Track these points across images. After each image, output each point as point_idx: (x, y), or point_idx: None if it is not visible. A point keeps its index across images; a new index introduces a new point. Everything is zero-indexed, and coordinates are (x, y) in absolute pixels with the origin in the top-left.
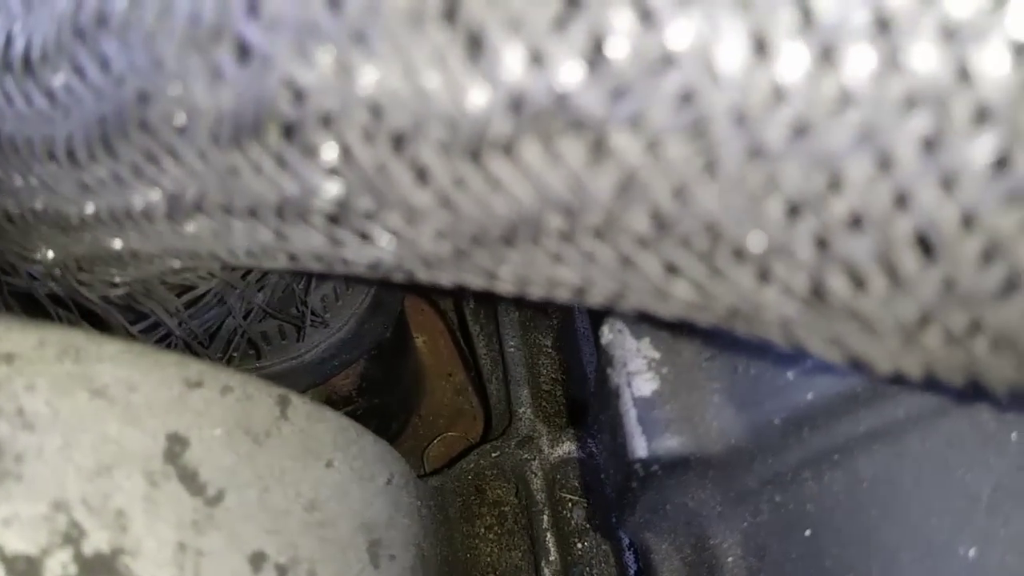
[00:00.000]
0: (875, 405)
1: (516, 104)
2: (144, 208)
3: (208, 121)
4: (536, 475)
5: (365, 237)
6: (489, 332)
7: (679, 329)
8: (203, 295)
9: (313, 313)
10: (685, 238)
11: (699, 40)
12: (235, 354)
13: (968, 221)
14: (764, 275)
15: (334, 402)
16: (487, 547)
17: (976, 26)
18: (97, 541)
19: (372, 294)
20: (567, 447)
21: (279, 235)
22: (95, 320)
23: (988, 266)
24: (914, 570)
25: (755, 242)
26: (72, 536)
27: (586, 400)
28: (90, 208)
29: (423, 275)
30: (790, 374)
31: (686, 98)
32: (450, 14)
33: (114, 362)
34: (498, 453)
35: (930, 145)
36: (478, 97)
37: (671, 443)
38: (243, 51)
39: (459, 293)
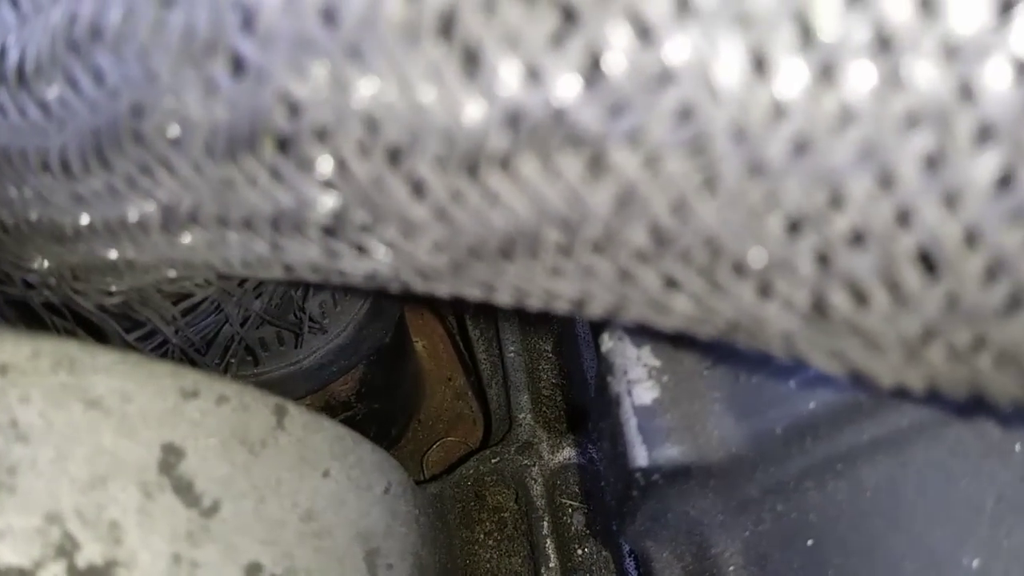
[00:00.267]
0: (878, 415)
1: (513, 119)
2: (139, 219)
3: (202, 134)
4: (536, 481)
5: (361, 249)
6: (489, 337)
7: (680, 338)
8: (200, 302)
9: (311, 319)
10: (685, 253)
11: (697, 56)
12: (232, 361)
13: (971, 239)
14: (765, 290)
15: (333, 407)
16: (487, 553)
17: (978, 43)
18: (91, 553)
19: (371, 300)
20: (567, 453)
21: (275, 247)
22: (91, 328)
23: (992, 283)
24: None
25: (755, 258)
26: (66, 548)
27: (587, 406)
28: (84, 219)
29: (420, 287)
30: (792, 383)
31: (685, 114)
32: (446, 29)
33: (109, 373)
34: (498, 459)
35: (932, 162)
36: (475, 112)
37: (672, 452)
38: (237, 65)
39: (457, 301)
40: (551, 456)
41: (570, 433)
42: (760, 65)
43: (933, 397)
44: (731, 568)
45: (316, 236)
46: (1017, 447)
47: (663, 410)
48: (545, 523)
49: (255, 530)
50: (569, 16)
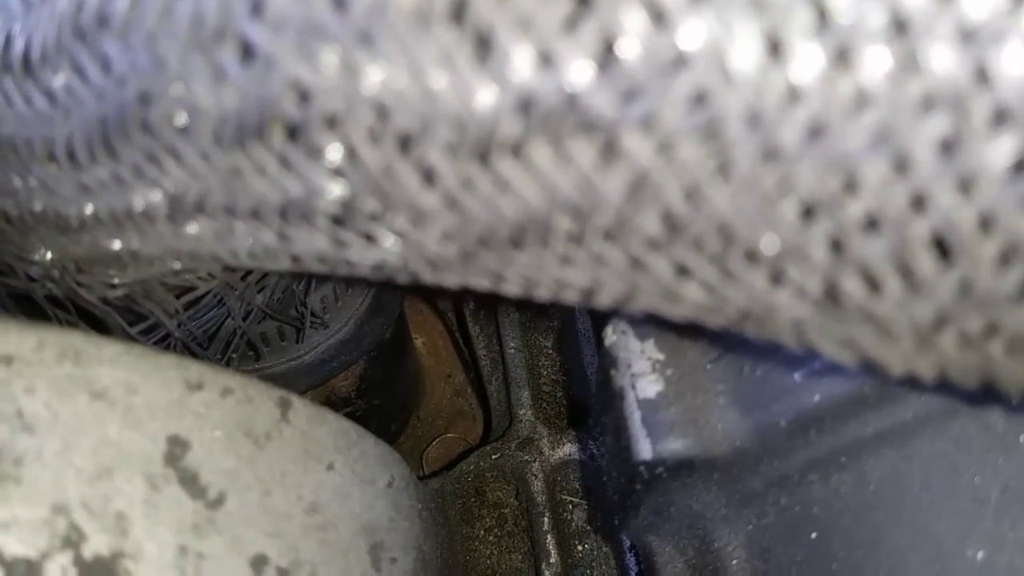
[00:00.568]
0: (883, 407)
1: (525, 105)
2: (145, 209)
3: (211, 122)
4: (537, 477)
5: (370, 239)
6: (489, 333)
7: (684, 330)
8: (202, 296)
9: (313, 314)
10: (697, 240)
11: (712, 41)
12: (234, 356)
13: (986, 223)
14: (777, 277)
15: (333, 403)
16: (487, 549)
17: (994, 27)
18: (97, 545)
19: (372, 295)
20: (568, 449)
21: (282, 237)
22: (93, 322)
23: (1006, 268)
24: (922, 572)
25: (768, 244)
26: (72, 540)
27: (587, 402)
28: (90, 209)
29: (428, 277)
30: (796, 376)
31: (699, 99)
32: (458, 14)
33: (114, 364)
34: (499, 455)
35: (948, 147)
36: (486, 98)
37: (676, 445)
38: (247, 52)
39: (459, 294)
40: (551, 452)
41: (570, 429)
42: (775, 49)
43: (943, 386)
44: (734, 561)
45: (324, 225)
46: (1022, 439)
47: (667, 403)
48: (546, 519)
49: (261, 522)
50: (583, 0)
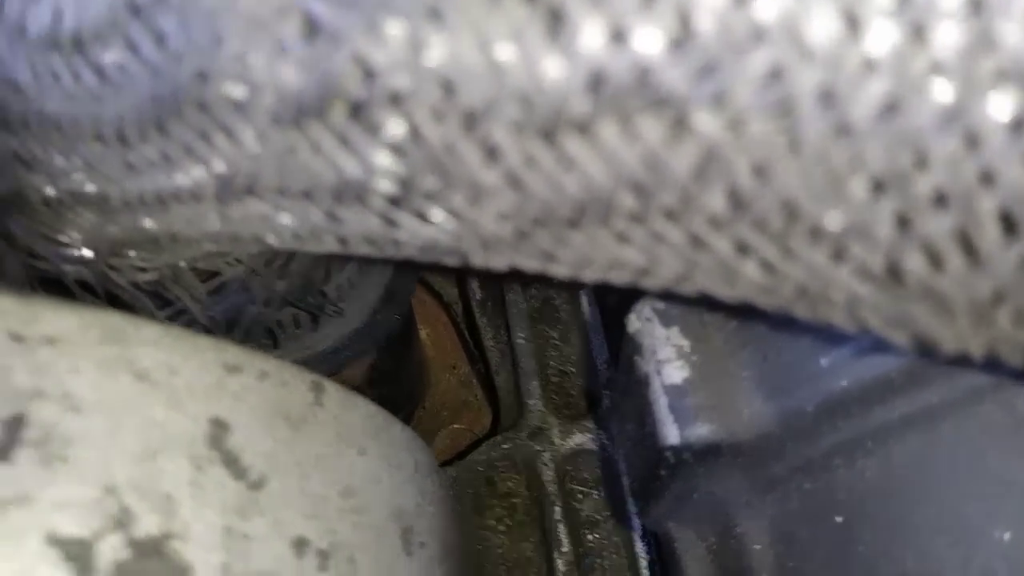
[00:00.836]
0: (909, 392)
1: (596, 82)
2: (192, 189)
3: (269, 100)
4: (548, 466)
5: (424, 218)
6: (496, 324)
7: (709, 317)
8: (227, 282)
9: (329, 302)
10: (761, 218)
11: (789, 14)
12: (252, 342)
13: None
14: (839, 255)
15: None
16: (498, 539)
17: None
18: (147, 525)
19: (385, 285)
20: (578, 438)
21: (332, 217)
22: (119, 307)
23: None
24: (949, 554)
25: (833, 221)
26: (122, 520)
27: (596, 391)
28: (134, 189)
29: (478, 258)
30: (823, 361)
31: (774, 75)
32: None
33: (155, 345)
34: (509, 445)
35: (1019, 123)
36: (556, 74)
37: (702, 431)
38: (310, 27)
39: (465, 285)
40: (562, 442)
41: (580, 419)
42: (852, 23)
43: (991, 363)
44: (757, 546)
45: (379, 205)
46: None
47: (693, 389)
48: (557, 508)
49: (300, 505)
50: None
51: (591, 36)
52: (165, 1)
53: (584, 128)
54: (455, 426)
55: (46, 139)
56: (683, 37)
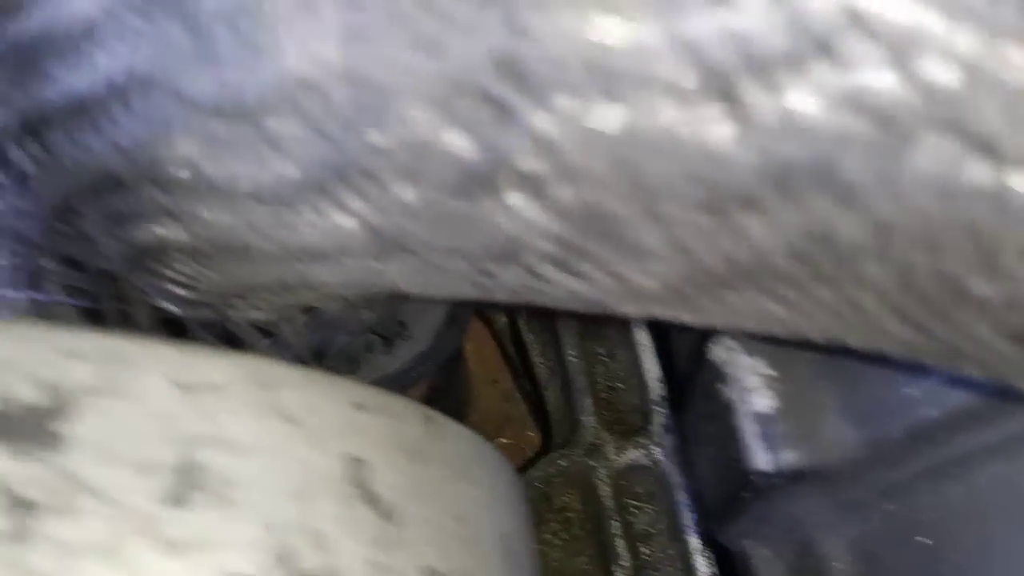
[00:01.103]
0: (996, 420)
1: (771, 162)
2: (343, 244)
3: (439, 170)
4: (603, 482)
5: (578, 276)
6: (544, 341)
7: (795, 345)
8: (322, 314)
9: (403, 326)
10: (924, 291)
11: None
12: (338, 369)
13: None
14: (999, 324)
15: None
16: (554, 553)
17: None
18: (307, 562)
19: (449, 309)
20: (632, 454)
21: (483, 273)
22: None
23: None
24: None
25: (998, 294)
26: (284, 557)
27: (647, 407)
28: (282, 241)
29: (620, 308)
30: (909, 390)
31: (947, 164)
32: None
33: (295, 387)
34: (566, 462)
35: None
36: (730, 152)
37: (790, 457)
38: (485, 101)
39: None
40: (617, 457)
41: (633, 435)
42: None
43: None
44: (838, 565)
45: (535, 264)
46: None
47: (782, 417)
48: (614, 523)
49: (427, 535)
50: (822, 47)
51: (768, 117)
52: (338, 74)
53: (754, 203)
54: (501, 440)
55: (197, 196)
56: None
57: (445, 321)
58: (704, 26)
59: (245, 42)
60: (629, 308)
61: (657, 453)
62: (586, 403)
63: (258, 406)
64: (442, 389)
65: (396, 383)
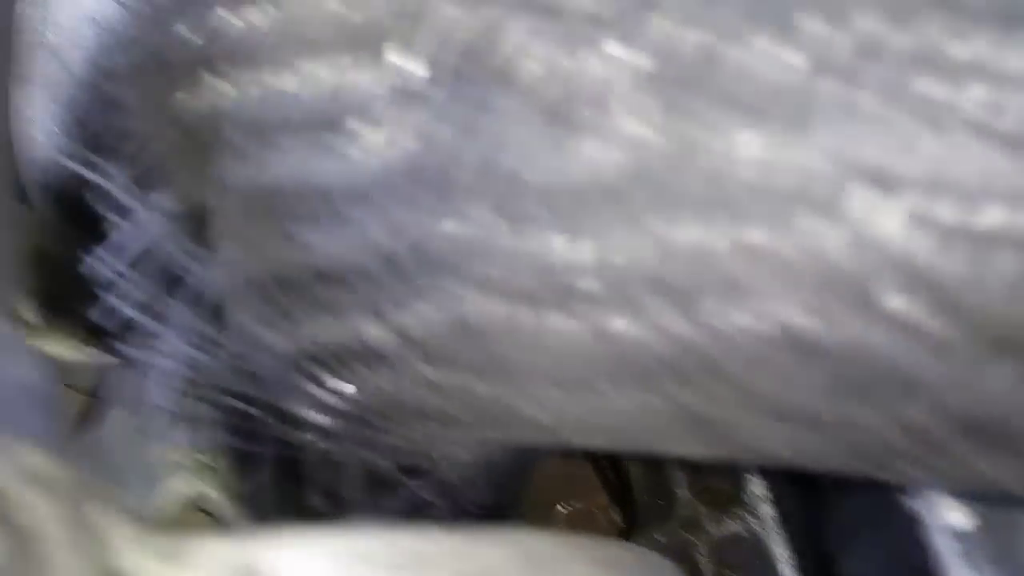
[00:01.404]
0: None
1: None
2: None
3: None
4: (703, 555)
5: None
6: None
7: None
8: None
9: None
10: None
11: None
12: None
13: None
14: None
15: None
16: None
17: None
18: None
19: None
20: (730, 526)
21: None
22: None
23: None
24: None
25: None
26: None
27: (738, 479)
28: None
29: None
30: None
31: None
32: None
33: (563, 560)
34: (663, 537)
35: None
36: None
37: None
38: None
39: None
40: (714, 530)
41: (729, 506)
42: None
43: None
44: None
45: None
46: None
47: (978, 536)
48: None
49: None
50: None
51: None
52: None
53: None
54: (572, 504)
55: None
56: None
57: None
58: None
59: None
60: None
61: (754, 524)
62: (678, 476)
63: None
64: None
65: None
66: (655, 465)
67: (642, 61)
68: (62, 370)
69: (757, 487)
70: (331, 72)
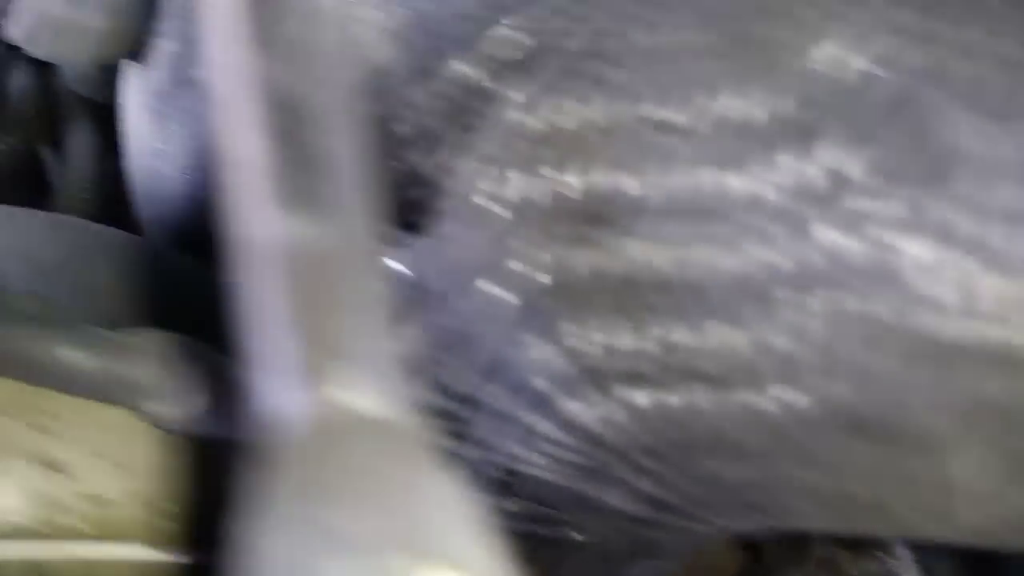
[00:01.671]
0: None
1: None
2: None
3: None
4: None
5: None
6: None
7: None
8: None
9: None
10: None
11: None
12: None
13: None
14: None
15: None
16: None
17: None
18: None
19: None
20: (866, 565)
21: None
22: None
23: None
24: None
25: None
26: None
27: None
28: None
29: None
30: None
31: None
32: None
33: None
34: None
35: None
36: None
37: None
38: None
39: None
40: (851, 571)
41: (862, 545)
42: None
43: None
44: None
45: None
46: None
47: None
48: None
49: None
50: None
51: None
52: None
53: None
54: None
55: None
56: None
57: None
58: None
59: None
60: None
61: (892, 564)
62: None
63: None
64: None
65: None
66: None
67: None
68: None
69: None
70: None
